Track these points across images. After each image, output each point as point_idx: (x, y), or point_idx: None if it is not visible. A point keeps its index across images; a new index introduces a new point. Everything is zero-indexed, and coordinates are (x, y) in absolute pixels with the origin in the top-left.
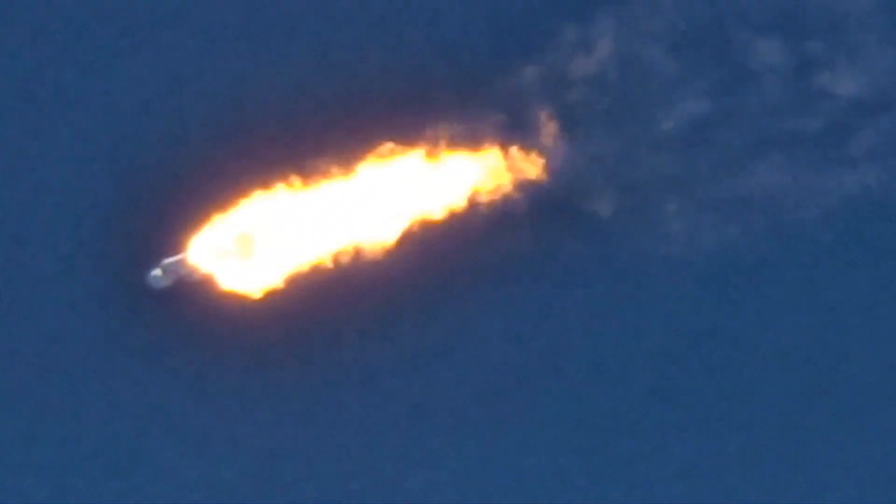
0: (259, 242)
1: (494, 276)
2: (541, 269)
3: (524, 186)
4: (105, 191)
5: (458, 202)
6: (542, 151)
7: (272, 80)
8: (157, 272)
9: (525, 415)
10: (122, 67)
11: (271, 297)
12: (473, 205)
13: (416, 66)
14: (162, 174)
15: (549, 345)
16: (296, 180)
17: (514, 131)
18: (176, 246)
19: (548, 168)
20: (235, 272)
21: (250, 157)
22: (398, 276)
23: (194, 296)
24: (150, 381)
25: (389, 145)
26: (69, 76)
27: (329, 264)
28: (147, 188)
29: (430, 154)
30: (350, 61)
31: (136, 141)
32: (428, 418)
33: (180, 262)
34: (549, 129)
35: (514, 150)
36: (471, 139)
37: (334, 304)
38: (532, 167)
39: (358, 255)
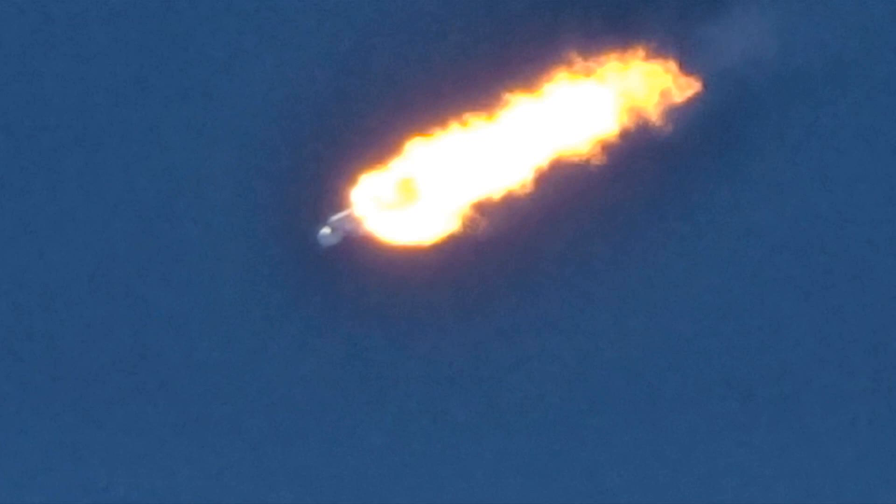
0: (421, 187)
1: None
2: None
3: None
4: (265, 151)
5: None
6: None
7: (415, 26)
8: (325, 230)
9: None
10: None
11: (439, 245)
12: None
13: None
14: (316, 130)
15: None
16: (451, 122)
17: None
18: (340, 201)
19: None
20: (400, 221)
21: (402, 103)
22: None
23: (363, 251)
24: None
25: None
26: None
27: (491, 204)
28: (303, 146)
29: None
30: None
31: (290, 100)
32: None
33: (347, 217)
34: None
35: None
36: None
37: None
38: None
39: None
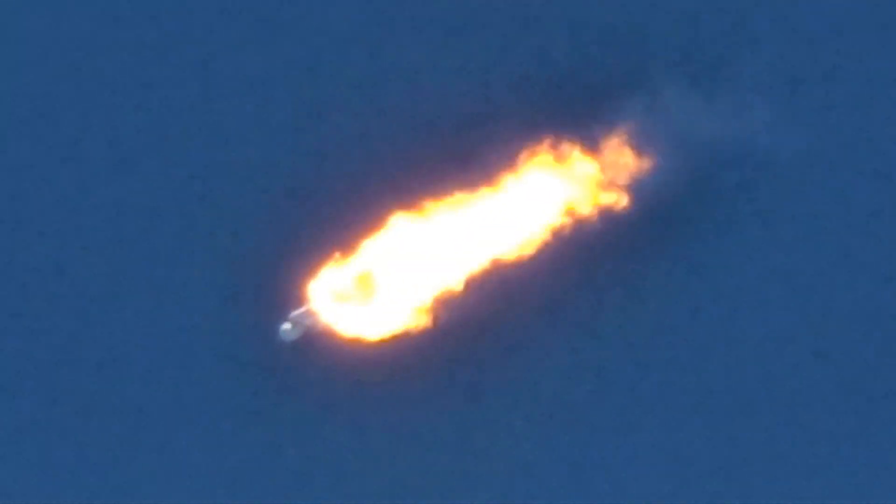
0: (379, 281)
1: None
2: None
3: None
4: (224, 243)
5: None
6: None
7: (380, 121)
8: (286, 326)
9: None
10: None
11: (397, 337)
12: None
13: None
14: (276, 223)
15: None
16: (409, 215)
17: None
18: (300, 297)
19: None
20: (359, 316)
21: (361, 197)
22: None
23: (321, 345)
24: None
25: (500, 170)
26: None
27: (449, 294)
28: (262, 239)
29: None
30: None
31: (248, 194)
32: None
33: (307, 312)
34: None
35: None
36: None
37: (460, 335)
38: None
39: (476, 281)
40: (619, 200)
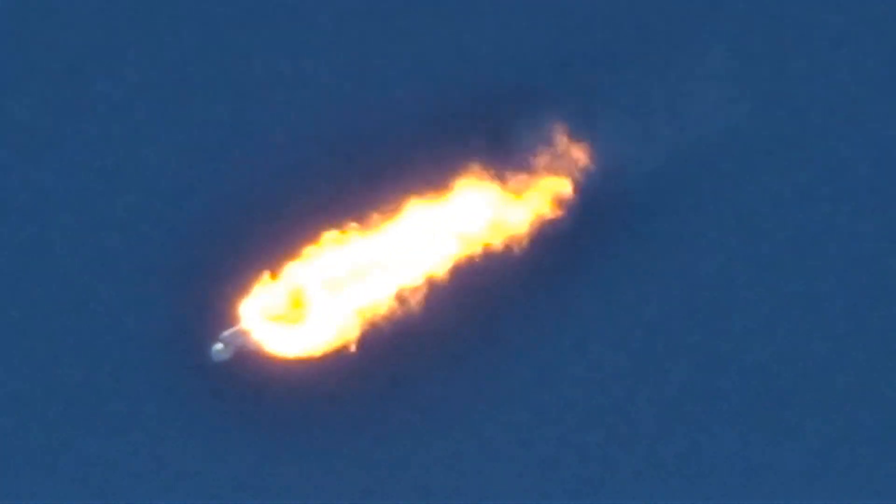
0: (311, 299)
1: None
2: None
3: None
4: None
5: (493, 237)
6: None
7: (310, 136)
8: (218, 346)
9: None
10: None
11: (330, 355)
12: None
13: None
14: (206, 240)
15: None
16: (341, 232)
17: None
18: (231, 316)
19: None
20: (291, 334)
21: (292, 213)
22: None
23: (253, 365)
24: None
25: (422, 190)
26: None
27: (381, 313)
28: (193, 257)
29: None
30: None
31: (181, 210)
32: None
33: (238, 332)
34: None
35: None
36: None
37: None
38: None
39: (407, 299)
40: (562, 201)
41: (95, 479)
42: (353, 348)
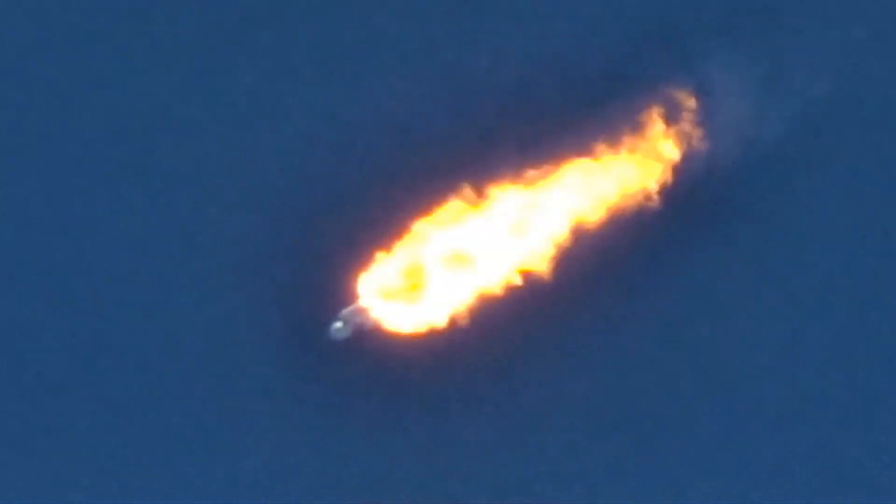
0: (429, 275)
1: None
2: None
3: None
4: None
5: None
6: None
7: (429, 107)
8: (338, 324)
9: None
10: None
11: (447, 331)
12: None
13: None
14: (324, 219)
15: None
16: (459, 208)
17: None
18: (351, 293)
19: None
20: (409, 311)
21: (408, 189)
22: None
23: (373, 342)
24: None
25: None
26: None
27: (500, 288)
28: (309, 237)
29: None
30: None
31: (297, 190)
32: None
33: (357, 310)
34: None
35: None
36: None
37: (511, 331)
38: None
39: (528, 275)
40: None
41: (218, 453)
42: (468, 322)
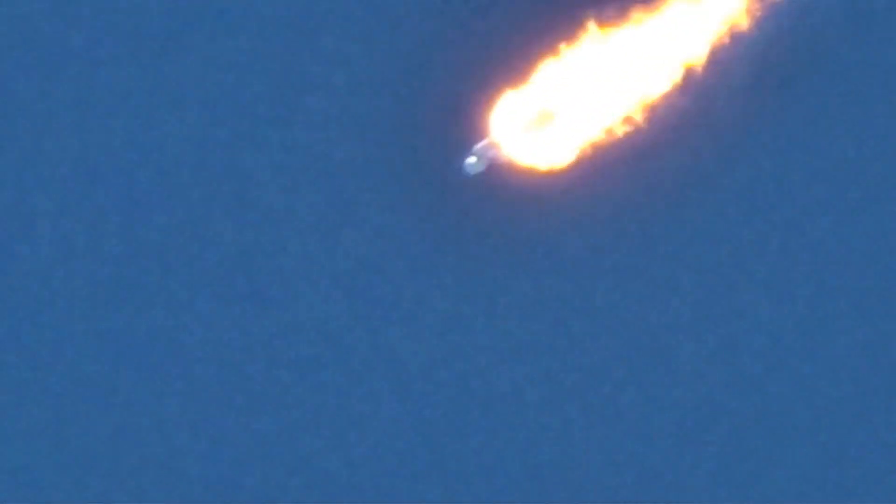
0: (559, 110)
1: None
2: None
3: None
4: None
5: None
6: None
7: None
8: (471, 159)
9: None
10: None
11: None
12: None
13: None
14: (457, 50)
15: None
16: (586, 38)
17: None
18: (480, 129)
19: None
20: (539, 145)
21: (537, 20)
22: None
23: (503, 177)
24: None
25: None
26: None
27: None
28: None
29: None
30: None
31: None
32: None
33: (490, 144)
34: None
35: None
36: None
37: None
38: None
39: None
40: None
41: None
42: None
